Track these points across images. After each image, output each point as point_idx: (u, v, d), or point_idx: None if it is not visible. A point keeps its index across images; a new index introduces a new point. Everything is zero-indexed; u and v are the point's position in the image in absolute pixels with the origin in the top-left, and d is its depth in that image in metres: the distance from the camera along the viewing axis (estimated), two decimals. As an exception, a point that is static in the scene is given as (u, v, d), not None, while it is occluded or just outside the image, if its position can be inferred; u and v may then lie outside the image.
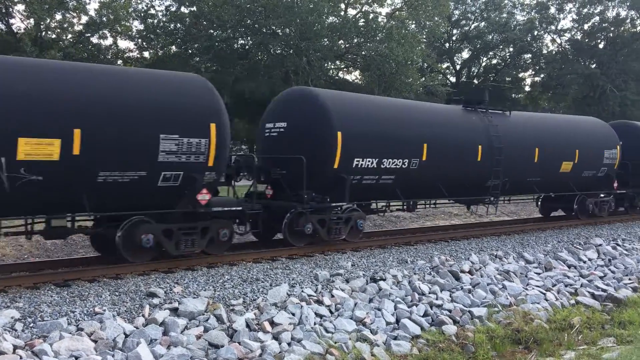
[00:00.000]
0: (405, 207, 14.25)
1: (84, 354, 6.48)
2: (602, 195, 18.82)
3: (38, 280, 8.92)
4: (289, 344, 7.57)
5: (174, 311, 7.86)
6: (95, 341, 6.83)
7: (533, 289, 11.16)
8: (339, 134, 11.65)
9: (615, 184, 18.77)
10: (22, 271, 9.74)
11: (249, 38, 28.52)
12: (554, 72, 41.57)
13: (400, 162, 12.77)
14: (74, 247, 12.84)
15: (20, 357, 6.28)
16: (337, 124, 11.70)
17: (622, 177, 19.06)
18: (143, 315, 7.62)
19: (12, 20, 26.36)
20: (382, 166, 12.47)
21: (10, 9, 26.06)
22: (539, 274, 12.16)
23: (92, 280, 9.12)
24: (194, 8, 28.14)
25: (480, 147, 14.46)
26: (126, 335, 7.08)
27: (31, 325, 7.05)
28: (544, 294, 10.98)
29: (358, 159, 12.04)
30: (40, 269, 9.93)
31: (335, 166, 11.74)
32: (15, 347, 6.44)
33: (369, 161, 12.21)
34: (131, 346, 6.79)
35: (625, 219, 19.45)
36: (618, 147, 18.72)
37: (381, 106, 13.45)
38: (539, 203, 19.45)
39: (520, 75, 45.64)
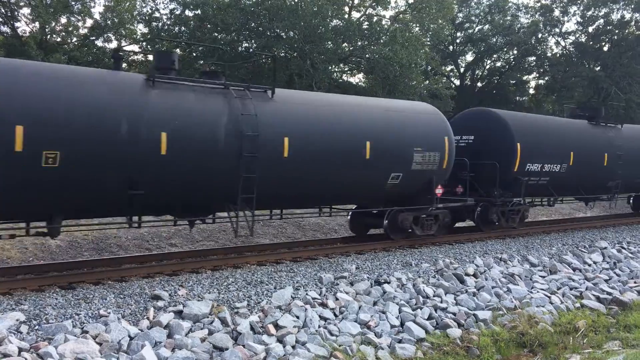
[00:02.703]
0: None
1: (89, 357, 6.49)
2: None
3: (43, 283, 8.96)
4: (293, 347, 7.58)
5: (179, 314, 7.88)
6: (100, 344, 6.85)
7: (538, 292, 11.13)
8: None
9: None
10: (27, 274, 9.77)
11: (253, 41, 28.53)
12: (559, 74, 41.40)
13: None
14: (78, 249, 12.86)
15: (25, 360, 6.30)
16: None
17: None
18: (148, 318, 7.63)
19: (17, 24, 26.47)
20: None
21: (16, 13, 26.17)
22: (543, 277, 12.13)
23: (96, 283, 9.15)
24: (199, 11, 28.20)
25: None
26: (131, 338, 7.10)
27: (36, 327, 7.07)
28: (549, 297, 10.96)
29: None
30: (45, 271, 9.97)
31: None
32: (20, 350, 6.46)
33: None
34: (136, 349, 6.81)
35: None
36: None
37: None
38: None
39: (525, 77, 45.51)
